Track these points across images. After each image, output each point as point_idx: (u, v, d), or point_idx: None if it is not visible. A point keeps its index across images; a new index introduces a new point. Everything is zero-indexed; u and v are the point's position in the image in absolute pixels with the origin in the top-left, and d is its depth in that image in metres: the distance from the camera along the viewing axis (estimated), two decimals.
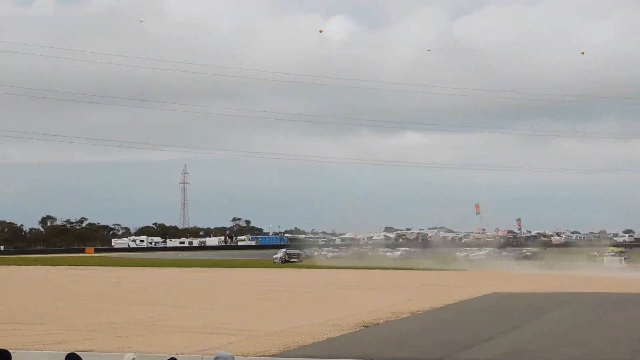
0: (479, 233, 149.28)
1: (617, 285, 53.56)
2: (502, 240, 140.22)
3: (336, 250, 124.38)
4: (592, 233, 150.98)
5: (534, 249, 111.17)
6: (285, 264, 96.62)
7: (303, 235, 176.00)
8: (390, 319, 33.36)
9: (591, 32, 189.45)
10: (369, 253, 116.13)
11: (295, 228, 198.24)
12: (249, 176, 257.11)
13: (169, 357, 9.60)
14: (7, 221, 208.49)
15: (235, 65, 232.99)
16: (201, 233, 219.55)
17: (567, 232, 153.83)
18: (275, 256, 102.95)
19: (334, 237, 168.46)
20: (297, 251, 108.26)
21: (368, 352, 22.91)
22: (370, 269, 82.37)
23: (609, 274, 68.63)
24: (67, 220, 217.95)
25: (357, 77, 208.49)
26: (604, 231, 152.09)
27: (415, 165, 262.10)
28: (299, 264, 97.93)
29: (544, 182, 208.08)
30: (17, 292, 52.63)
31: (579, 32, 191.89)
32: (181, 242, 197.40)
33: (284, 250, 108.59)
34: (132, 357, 9.37)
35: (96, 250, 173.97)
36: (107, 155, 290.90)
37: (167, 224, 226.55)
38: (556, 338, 26.75)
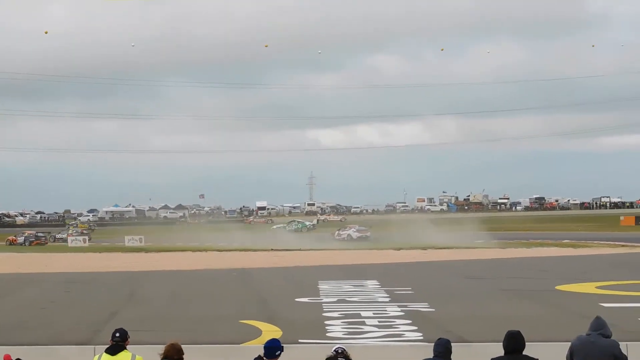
0: None
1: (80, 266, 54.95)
2: None
3: None
4: (56, 213, 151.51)
5: None
6: None
7: None
8: None
9: (52, 13, 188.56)
10: None
11: None
12: None
13: None
14: None
15: None
16: None
17: (32, 212, 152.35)
18: None
19: None
20: None
21: None
22: None
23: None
24: None
25: None
26: (69, 210, 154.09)
27: None
28: None
29: (7, 162, 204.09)
30: None
31: (42, 11, 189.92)
32: None
33: None
34: None
35: None
36: None
37: None
38: (23, 319, 27.15)
